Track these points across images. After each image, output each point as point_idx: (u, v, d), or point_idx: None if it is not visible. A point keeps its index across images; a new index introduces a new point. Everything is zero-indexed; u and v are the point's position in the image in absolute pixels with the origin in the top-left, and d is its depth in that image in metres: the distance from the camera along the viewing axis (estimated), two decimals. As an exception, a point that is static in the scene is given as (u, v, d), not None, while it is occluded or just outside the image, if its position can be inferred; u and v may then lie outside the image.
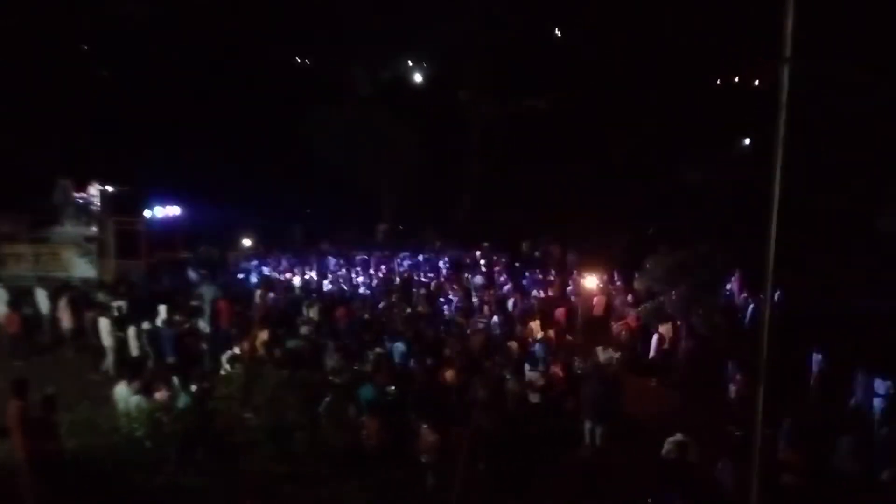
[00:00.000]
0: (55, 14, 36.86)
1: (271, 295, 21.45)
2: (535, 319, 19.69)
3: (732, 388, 15.62)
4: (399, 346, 16.45)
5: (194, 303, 19.91)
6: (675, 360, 18.34)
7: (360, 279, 25.11)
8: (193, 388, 13.23)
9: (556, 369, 15.97)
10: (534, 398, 15.04)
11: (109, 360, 17.02)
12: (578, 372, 15.98)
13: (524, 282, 24.56)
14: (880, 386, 14.66)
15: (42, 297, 19.38)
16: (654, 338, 18.78)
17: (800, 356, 16.80)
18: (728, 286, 22.53)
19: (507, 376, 15.21)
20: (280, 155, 34.79)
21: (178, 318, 17.96)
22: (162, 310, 18.03)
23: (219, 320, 18.73)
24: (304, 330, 17.76)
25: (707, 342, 18.84)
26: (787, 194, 5.22)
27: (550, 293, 23.02)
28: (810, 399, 16.33)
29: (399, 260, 27.86)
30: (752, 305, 20.75)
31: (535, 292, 22.95)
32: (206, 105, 36.90)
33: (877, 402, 14.63)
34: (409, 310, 20.46)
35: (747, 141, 38.27)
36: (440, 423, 12.54)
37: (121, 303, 19.16)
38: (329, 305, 20.48)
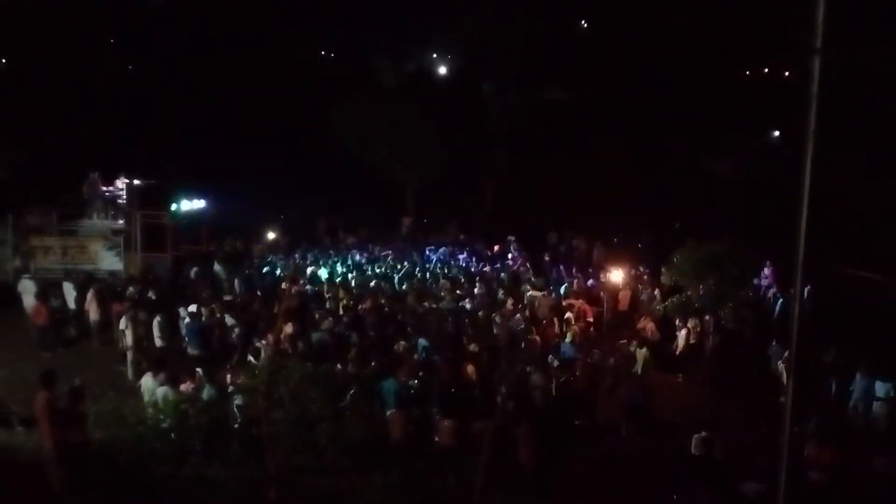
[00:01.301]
0: (83, 8, 37.33)
1: (296, 288, 21.45)
2: (561, 314, 19.53)
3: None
4: (422, 340, 16.39)
5: (227, 297, 20.03)
6: (702, 355, 18.13)
7: (384, 272, 25.03)
8: (231, 383, 13.33)
9: (581, 364, 15.86)
10: (557, 392, 14.96)
11: (130, 361, 16.74)
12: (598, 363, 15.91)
13: (553, 276, 24.36)
14: (880, 388, 14.41)
15: (69, 290, 19.61)
16: (682, 332, 18.55)
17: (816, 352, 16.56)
18: (756, 280, 22.22)
19: (531, 370, 15.13)
20: (304, 148, 34.92)
21: (205, 310, 18.05)
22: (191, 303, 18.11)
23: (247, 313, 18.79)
24: (327, 323, 17.76)
25: (735, 337, 18.60)
26: (817, 188, 5.09)
27: (577, 287, 22.79)
28: (824, 397, 16.09)
29: (423, 253, 27.77)
30: (780, 300, 20.43)
31: (562, 287, 22.74)
32: (232, 99, 37.16)
33: (876, 405, 14.39)
34: (433, 303, 20.37)
35: (776, 133, 37.74)
36: (463, 418, 12.51)
37: (134, 289, 19.35)
38: (354, 299, 20.46)
